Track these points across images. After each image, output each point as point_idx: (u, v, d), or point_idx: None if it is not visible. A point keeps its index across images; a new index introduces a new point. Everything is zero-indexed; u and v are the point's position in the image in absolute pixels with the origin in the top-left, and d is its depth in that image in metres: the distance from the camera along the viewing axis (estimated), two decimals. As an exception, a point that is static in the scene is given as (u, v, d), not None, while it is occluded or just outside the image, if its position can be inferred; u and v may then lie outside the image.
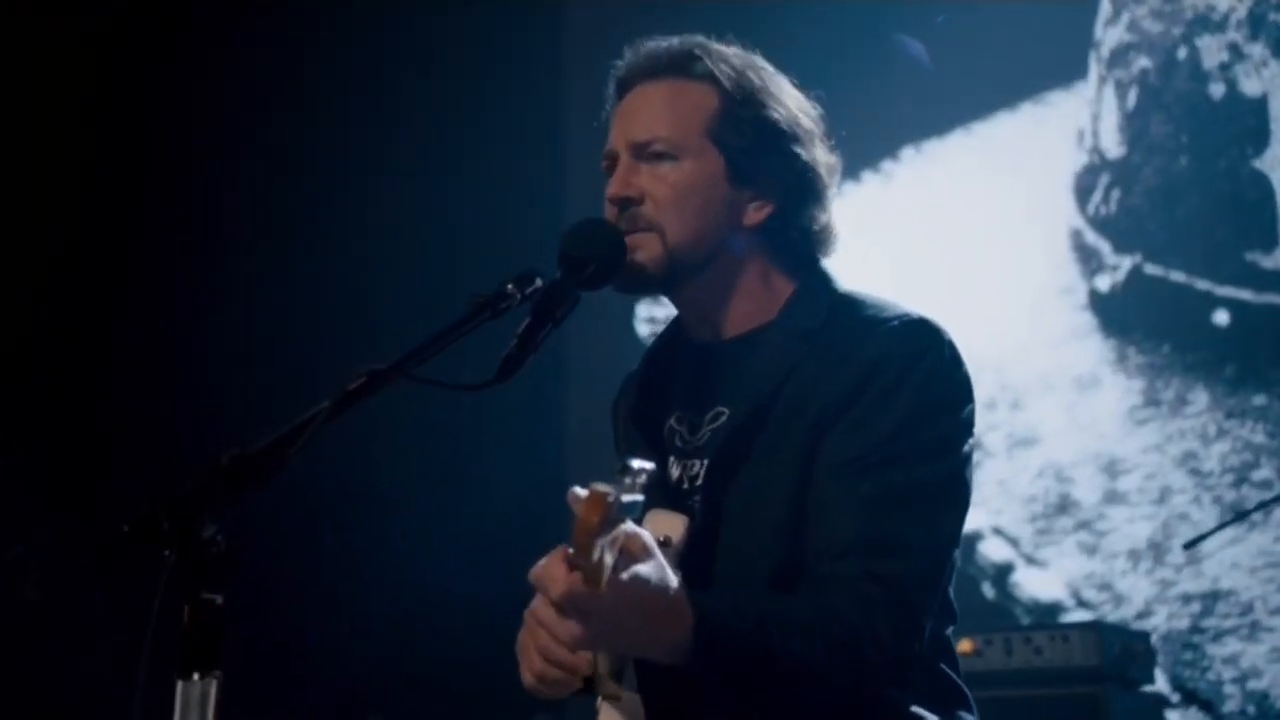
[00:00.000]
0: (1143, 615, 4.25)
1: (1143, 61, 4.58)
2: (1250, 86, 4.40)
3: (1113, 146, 4.60)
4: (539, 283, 1.99)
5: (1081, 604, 4.34)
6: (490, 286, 1.96)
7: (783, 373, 2.07)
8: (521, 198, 4.82)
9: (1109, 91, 4.63)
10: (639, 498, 1.65)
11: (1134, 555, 4.30)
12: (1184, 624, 4.20)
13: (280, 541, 3.71)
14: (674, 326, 2.30)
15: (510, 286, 1.96)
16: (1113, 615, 4.27)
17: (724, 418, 2.14)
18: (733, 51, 2.23)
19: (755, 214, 2.15)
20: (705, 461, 2.12)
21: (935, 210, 4.84)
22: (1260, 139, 4.36)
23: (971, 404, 2.07)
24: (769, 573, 1.99)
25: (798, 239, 2.16)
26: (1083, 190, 4.62)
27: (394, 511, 4.43)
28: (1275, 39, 4.36)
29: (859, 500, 1.97)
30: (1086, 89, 4.62)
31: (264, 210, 4.43)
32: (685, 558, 2.01)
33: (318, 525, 4.25)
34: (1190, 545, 3.41)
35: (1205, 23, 4.49)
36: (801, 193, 2.16)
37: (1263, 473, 4.19)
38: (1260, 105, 4.37)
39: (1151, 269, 4.47)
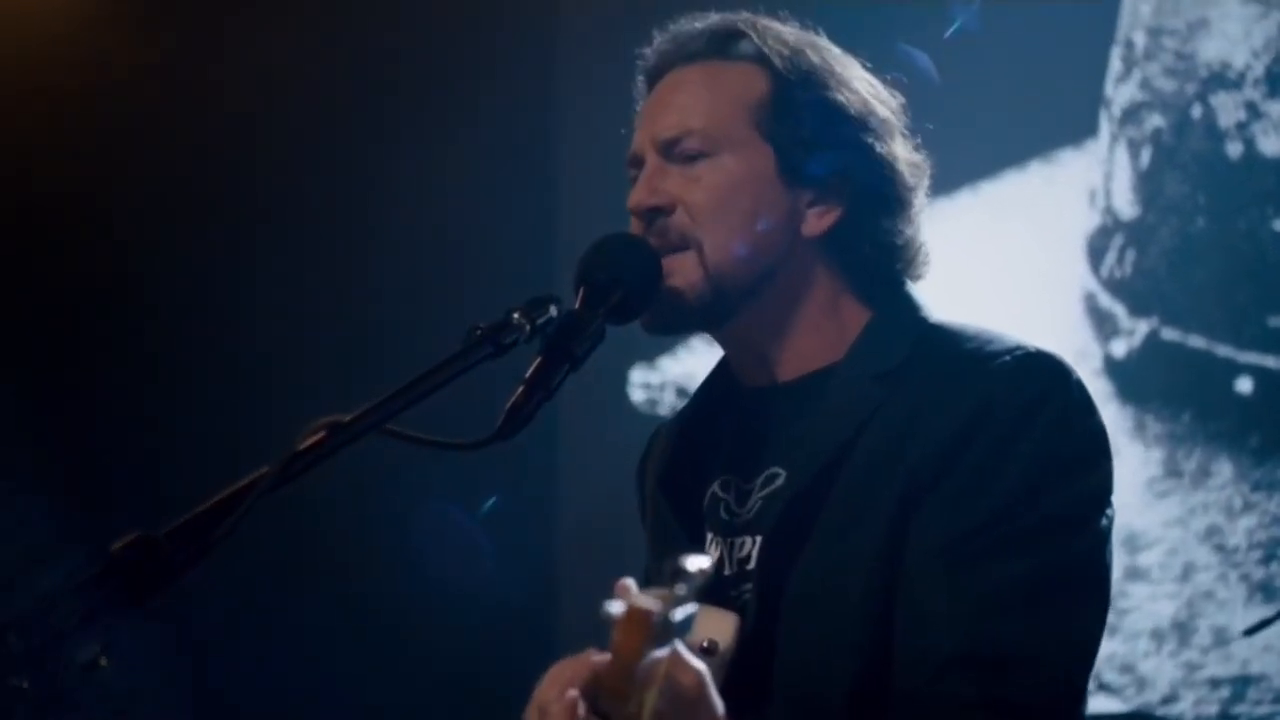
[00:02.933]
0: (1168, 700, 3.85)
1: (1156, 120, 4.28)
2: (1269, 146, 4.15)
3: (1126, 207, 4.25)
4: (553, 312, 1.45)
5: (1103, 687, 3.91)
6: (485, 315, 1.43)
7: (856, 424, 1.53)
8: (510, 221, 4.35)
9: (1121, 150, 4.30)
10: (692, 610, 1.13)
11: (1157, 636, 3.91)
12: (1213, 710, 3.83)
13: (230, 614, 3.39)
14: (720, 369, 1.75)
15: (517, 316, 1.42)
16: (1136, 700, 3.87)
17: (780, 482, 1.59)
18: (787, 28, 1.70)
19: (818, 221, 1.62)
20: (758, 539, 1.57)
21: (942, 271, 4.36)
22: (1278, 202, 4.01)
23: (1109, 462, 1.53)
24: (845, 690, 1.45)
25: (873, 254, 1.63)
26: (1096, 251, 4.24)
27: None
28: (1296, 97, 4.04)
29: (967, 595, 1.42)
30: (1098, 147, 4.26)
31: (246, 230, 4.05)
32: (735, 668, 1.45)
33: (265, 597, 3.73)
34: (1251, 632, 2.93)
35: (1220, 80, 4.22)
36: (876, 194, 1.62)
37: (1298, 552, 3.88)
38: (1278, 166, 4.00)
39: (1169, 333, 4.10)
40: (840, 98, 1.65)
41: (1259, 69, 4.07)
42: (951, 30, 3.96)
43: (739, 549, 1.61)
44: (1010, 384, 1.52)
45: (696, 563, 1.12)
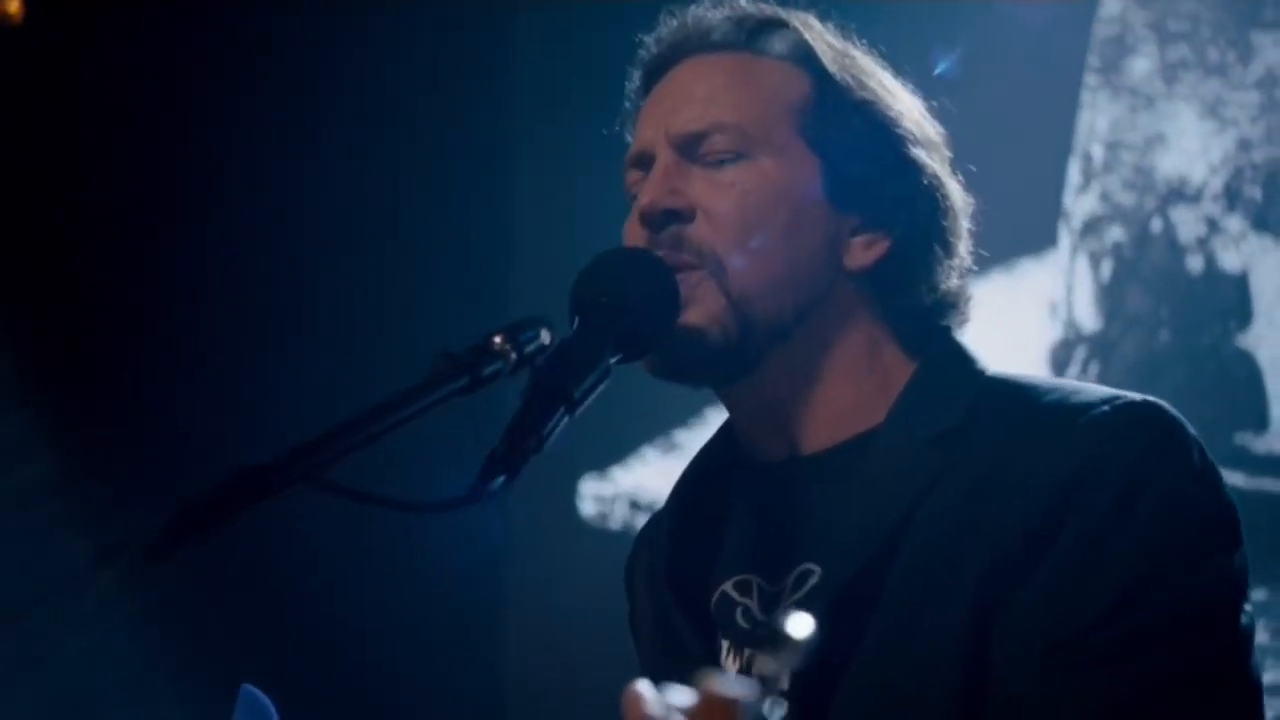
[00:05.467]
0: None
1: (1116, 233, 4.05)
2: (1229, 261, 3.91)
3: (1088, 319, 3.98)
4: (545, 339, 1.06)
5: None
6: (457, 340, 1.05)
7: (909, 500, 1.15)
8: (464, 248, 3.95)
9: (1082, 262, 4.05)
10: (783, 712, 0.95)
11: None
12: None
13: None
14: (721, 441, 1.35)
15: (499, 341, 1.04)
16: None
17: (815, 579, 1.20)
18: (827, 27, 1.34)
19: (864, 253, 1.26)
20: None
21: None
22: (1243, 315, 3.80)
23: (1241, 542, 1.16)
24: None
25: (923, 295, 1.26)
26: (1059, 364, 3.96)
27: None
28: (1254, 212, 3.78)
29: (1074, 711, 1.03)
30: (1058, 258, 4.01)
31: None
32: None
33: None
34: None
35: (1179, 195, 3.98)
36: (931, 227, 1.27)
37: (1270, 676, 3.39)
38: (1241, 281, 3.80)
39: (1135, 449, 3.78)
40: (893, 112, 1.31)
41: (1217, 184, 3.89)
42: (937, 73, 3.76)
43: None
44: (1113, 443, 1.16)
45: (799, 626, 0.75)
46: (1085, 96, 4.02)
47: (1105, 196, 4.03)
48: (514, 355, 1.07)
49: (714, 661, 1.25)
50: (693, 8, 1.38)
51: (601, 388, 1.13)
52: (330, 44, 3.75)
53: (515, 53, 4.06)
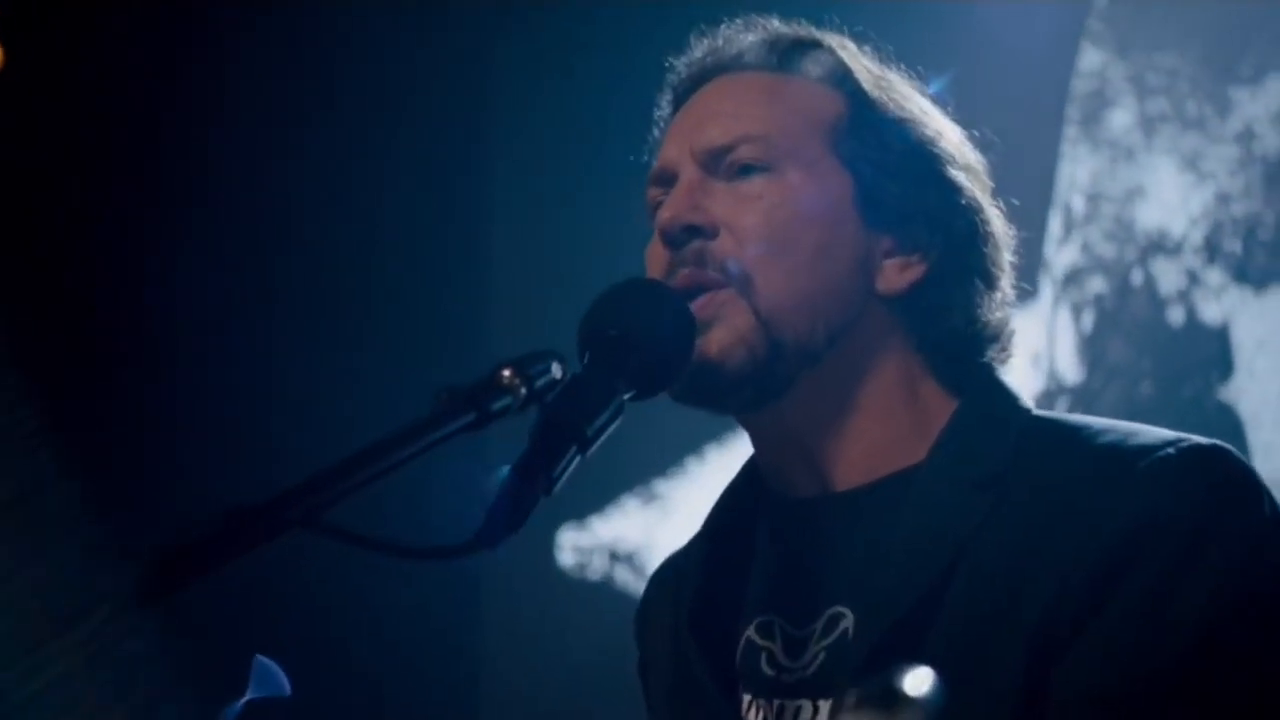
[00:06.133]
0: None
1: (1097, 284, 4.01)
2: (1210, 313, 3.88)
3: (1070, 371, 3.92)
4: (556, 373, 0.98)
5: None
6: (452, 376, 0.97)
7: (954, 546, 1.07)
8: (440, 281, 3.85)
9: (1064, 313, 4.01)
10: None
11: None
12: None
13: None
14: (746, 477, 1.28)
15: (508, 374, 0.96)
16: None
17: (847, 625, 1.12)
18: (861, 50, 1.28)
19: (898, 276, 1.19)
20: (822, 706, 1.09)
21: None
22: (1224, 367, 3.77)
23: None
24: None
25: (961, 328, 1.19)
26: None
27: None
28: (1234, 265, 3.74)
29: None
30: (1040, 309, 3.94)
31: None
32: None
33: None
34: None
35: (1160, 247, 3.94)
36: (970, 253, 1.20)
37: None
38: (1222, 333, 3.75)
39: (1119, 502, 3.73)
40: (931, 131, 1.24)
41: (1197, 237, 3.86)
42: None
43: (793, 717, 1.12)
44: (1178, 488, 1.08)
45: (917, 683, 0.66)
46: (1065, 148, 4.00)
47: (1086, 248, 3.99)
48: (524, 390, 0.99)
49: (735, 715, 1.16)
50: (724, 28, 1.32)
51: (614, 426, 1.06)
52: (310, 75, 3.70)
53: (494, 84, 4.01)
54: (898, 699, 0.70)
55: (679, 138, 1.30)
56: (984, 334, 1.27)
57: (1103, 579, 1.07)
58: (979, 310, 1.26)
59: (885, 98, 1.28)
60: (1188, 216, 3.93)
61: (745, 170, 1.23)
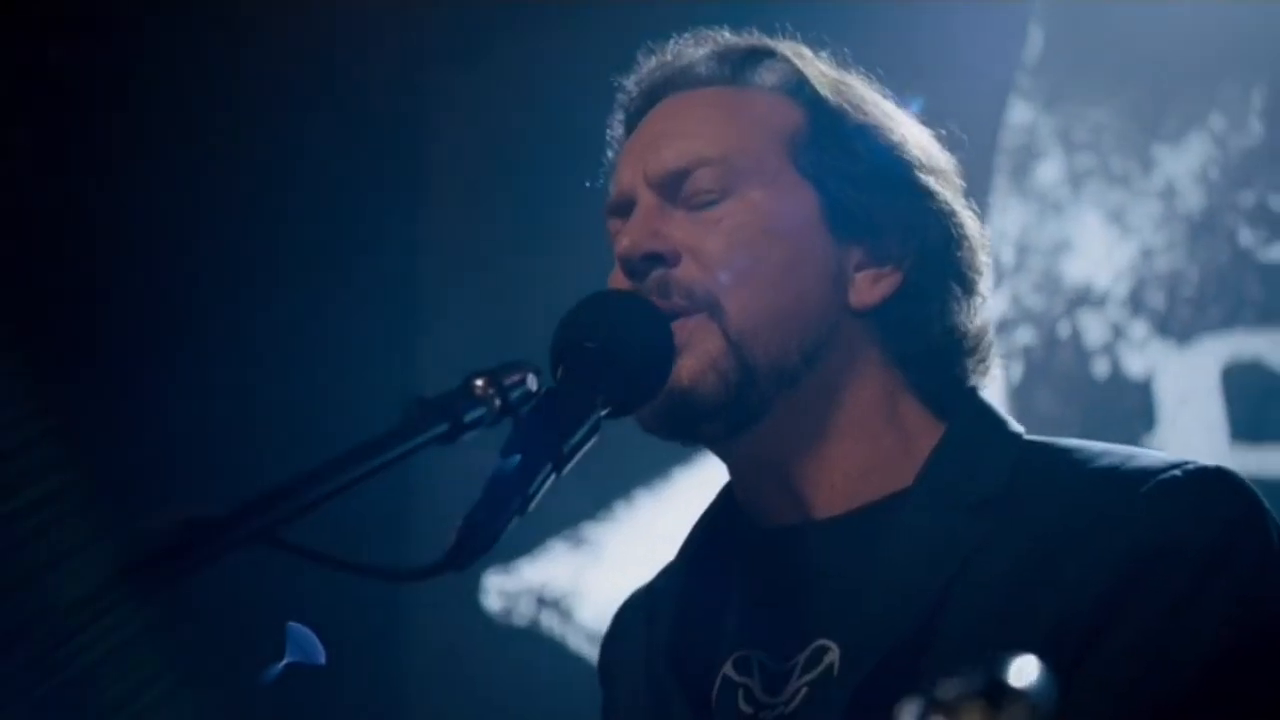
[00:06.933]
0: None
1: (1026, 335, 3.98)
2: (1134, 366, 3.89)
3: None
4: (532, 384, 0.92)
5: None
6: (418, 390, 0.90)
7: (948, 573, 1.02)
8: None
9: (993, 364, 3.96)
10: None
11: None
12: None
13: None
14: (721, 505, 1.21)
15: (481, 384, 0.89)
16: None
17: (832, 659, 1.06)
18: (818, 56, 1.24)
19: (870, 289, 1.15)
20: None
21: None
22: (1148, 419, 3.77)
23: None
24: None
25: (939, 340, 1.14)
26: None
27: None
28: (1157, 319, 3.75)
29: None
30: None
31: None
32: None
33: None
34: None
35: (1086, 300, 3.95)
36: (945, 260, 1.15)
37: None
38: (1146, 386, 3.74)
39: (1046, 551, 3.71)
40: (896, 136, 1.20)
41: (1122, 291, 3.89)
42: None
43: None
44: (1186, 511, 1.04)
45: (1022, 673, 0.59)
46: (995, 200, 4.01)
47: (1015, 299, 4.00)
48: (498, 402, 0.93)
49: None
50: (673, 43, 1.26)
51: (590, 444, 0.99)
52: (244, 107, 3.63)
53: (425, 108, 3.95)
54: (1003, 692, 0.63)
55: (632, 162, 1.24)
56: (963, 345, 1.22)
57: (1110, 604, 1.03)
58: (957, 319, 1.21)
59: (845, 104, 1.23)
60: (1113, 270, 3.95)
61: (704, 203, 1.18)
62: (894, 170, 1.21)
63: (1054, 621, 1.03)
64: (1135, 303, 3.82)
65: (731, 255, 1.16)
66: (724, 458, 1.22)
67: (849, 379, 1.19)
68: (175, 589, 0.77)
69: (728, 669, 1.15)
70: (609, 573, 3.61)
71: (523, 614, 3.60)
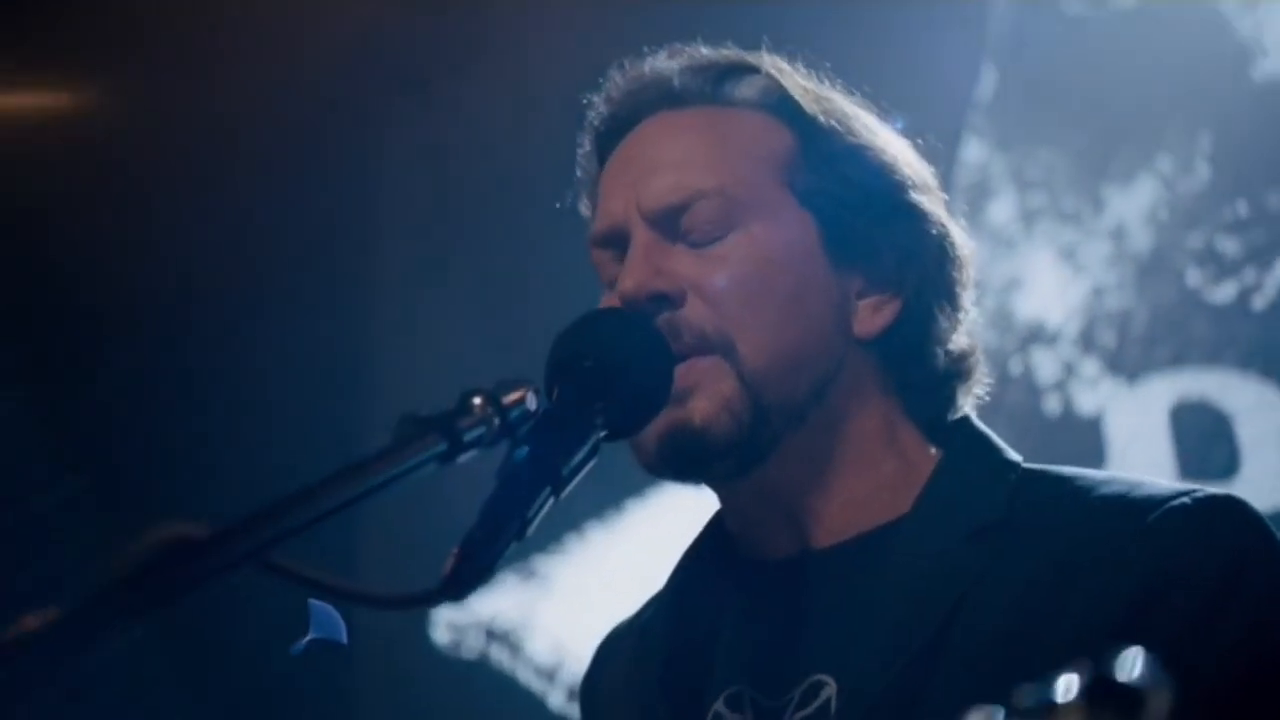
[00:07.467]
0: None
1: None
2: (1085, 404, 3.90)
3: None
4: (531, 404, 0.87)
5: None
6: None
7: (949, 604, 0.98)
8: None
9: None
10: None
11: None
12: None
13: None
14: (711, 536, 1.17)
15: (479, 403, 0.85)
16: None
17: (829, 694, 1.01)
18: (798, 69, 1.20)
19: (872, 317, 1.11)
20: None
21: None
22: (1098, 457, 3.73)
23: None
24: None
25: (939, 367, 1.11)
26: None
27: None
28: (1108, 357, 3.74)
29: None
30: None
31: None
32: None
33: None
34: None
35: (1038, 337, 3.95)
36: (942, 282, 1.12)
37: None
38: (1095, 423, 3.72)
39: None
40: (887, 156, 1.16)
41: (1073, 329, 3.89)
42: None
43: None
44: (1198, 539, 1.02)
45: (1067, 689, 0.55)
46: (949, 237, 4.01)
47: (968, 334, 4.01)
48: (497, 421, 0.88)
49: None
50: (647, 59, 1.22)
51: (589, 467, 0.95)
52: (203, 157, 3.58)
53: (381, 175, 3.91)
54: (1125, 694, 0.58)
55: (621, 191, 1.19)
56: (959, 368, 1.19)
57: (1120, 633, 0.99)
58: (952, 339, 1.18)
59: (834, 123, 1.19)
60: (1065, 308, 3.96)
61: (705, 237, 1.15)
62: (888, 193, 1.18)
63: (1065, 649, 1.00)
64: (1086, 341, 3.83)
65: (740, 293, 1.13)
66: (722, 492, 1.18)
67: (852, 410, 1.16)
68: (161, 613, 0.71)
69: (719, 705, 1.11)
70: (559, 606, 3.56)
71: (472, 647, 3.54)
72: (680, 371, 1.08)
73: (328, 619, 0.84)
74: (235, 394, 3.45)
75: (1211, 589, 1.03)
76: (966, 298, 1.22)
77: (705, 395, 1.10)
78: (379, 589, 0.82)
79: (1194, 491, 1.11)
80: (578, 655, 3.49)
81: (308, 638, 0.85)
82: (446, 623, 3.69)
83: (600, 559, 3.48)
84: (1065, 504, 1.11)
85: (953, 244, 1.21)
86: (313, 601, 0.83)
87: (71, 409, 3.38)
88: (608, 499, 3.50)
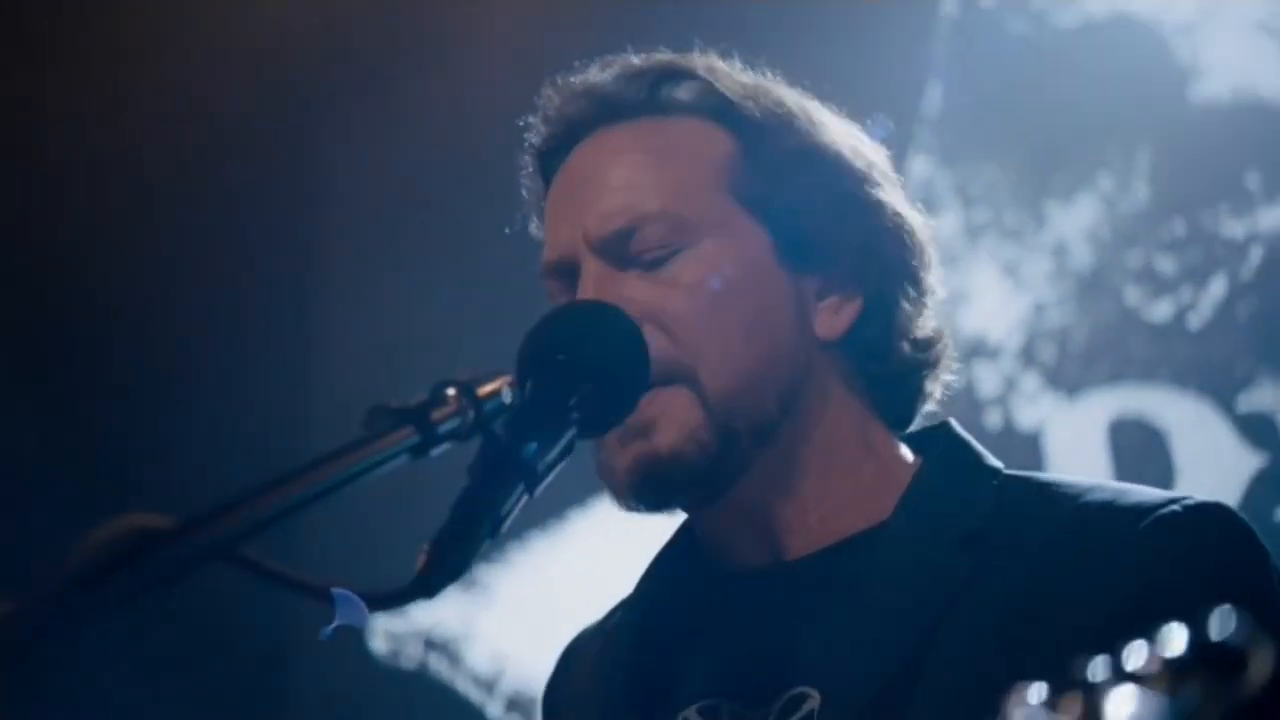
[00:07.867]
0: None
1: None
2: (1026, 418, 3.91)
3: None
4: (506, 397, 0.84)
5: None
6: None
7: (934, 612, 0.96)
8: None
9: None
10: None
11: None
12: None
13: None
14: (681, 543, 1.14)
15: (453, 395, 0.81)
16: None
17: (812, 707, 0.99)
18: (733, 66, 1.17)
19: (833, 319, 1.09)
20: None
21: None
22: (1037, 470, 3.80)
23: None
24: None
25: (906, 359, 1.09)
26: None
27: None
28: (1048, 373, 3.76)
29: None
30: None
31: None
32: None
33: None
34: None
35: (980, 351, 3.97)
36: (903, 273, 1.10)
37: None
38: (1036, 438, 3.73)
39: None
40: (833, 150, 1.14)
41: (1014, 344, 3.91)
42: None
43: None
44: (1188, 547, 1.01)
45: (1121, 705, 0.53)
46: (893, 251, 4.01)
47: (934, 319, 4.02)
48: (471, 414, 0.85)
49: None
50: (580, 75, 1.19)
51: (564, 462, 0.92)
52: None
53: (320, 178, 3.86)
54: (1227, 654, 0.55)
55: (567, 218, 1.16)
56: (927, 356, 1.17)
57: (1112, 641, 0.98)
58: (917, 326, 1.16)
59: (775, 121, 1.17)
60: (1007, 323, 3.97)
61: (655, 260, 1.11)
62: (838, 190, 1.16)
63: (1053, 657, 0.98)
64: (1027, 356, 3.84)
65: (697, 318, 1.11)
66: (694, 513, 1.15)
67: (823, 416, 1.13)
68: (124, 609, 0.67)
69: (692, 715, 1.07)
70: (500, 616, 3.52)
71: (410, 656, 3.49)
72: (643, 404, 1.05)
73: (350, 605, 0.81)
74: (172, 392, 3.40)
75: (1201, 596, 1.02)
76: (931, 279, 1.20)
77: (670, 427, 1.08)
78: (349, 587, 0.79)
79: (1184, 499, 1.10)
80: (518, 665, 3.45)
81: (334, 624, 0.82)
82: (384, 631, 3.63)
83: (542, 568, 3.45)
84: (1053, 511, 1.09)
85: (910, 231, 1.18)
86: (334, 589, 0.80)
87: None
88: (550, 509, 3.47)
